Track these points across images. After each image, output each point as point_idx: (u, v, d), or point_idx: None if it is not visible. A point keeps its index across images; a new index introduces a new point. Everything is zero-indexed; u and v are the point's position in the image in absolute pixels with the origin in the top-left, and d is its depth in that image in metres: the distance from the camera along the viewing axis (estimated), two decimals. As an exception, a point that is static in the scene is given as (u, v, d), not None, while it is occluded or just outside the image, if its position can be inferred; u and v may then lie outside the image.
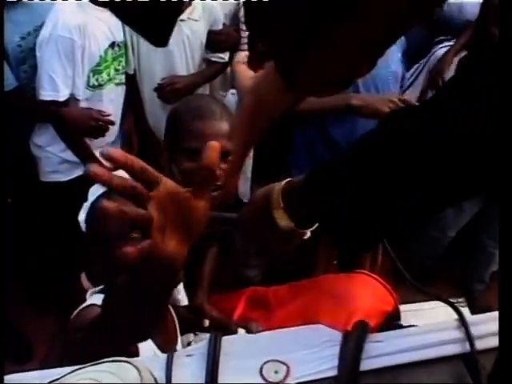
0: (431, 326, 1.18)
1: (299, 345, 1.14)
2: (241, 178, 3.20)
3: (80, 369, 0.98)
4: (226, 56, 3.34)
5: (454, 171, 0.88)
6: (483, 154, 0.84)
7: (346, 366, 1.08)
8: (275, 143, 3.17)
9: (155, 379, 0.99)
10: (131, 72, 3.12)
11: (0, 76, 2.65)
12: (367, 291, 1.55)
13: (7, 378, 1.09)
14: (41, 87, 2.86)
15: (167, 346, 1.51)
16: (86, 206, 1.85)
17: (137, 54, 3.08)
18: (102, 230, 1.44)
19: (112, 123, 2.98)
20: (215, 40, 3.21)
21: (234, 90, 3.26)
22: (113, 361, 0.99)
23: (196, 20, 3.13)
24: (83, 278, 1.78)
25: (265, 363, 1.10)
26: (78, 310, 1.50)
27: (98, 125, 2.93)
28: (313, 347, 1.14)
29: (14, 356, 3.12)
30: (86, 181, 2.63)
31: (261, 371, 1.09)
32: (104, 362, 0.98)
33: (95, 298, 1.49)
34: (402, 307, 1.75)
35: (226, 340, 1.13)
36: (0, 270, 2.59)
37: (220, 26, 3.25)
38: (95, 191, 1.83)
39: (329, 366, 1.11)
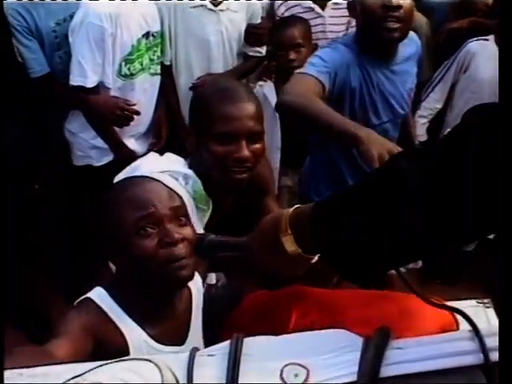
0: (451, 335, 1.19)
1: (319, 349, 1.15)
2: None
3: (102, 365, 1.00)
4: (263, 50, 3.35)
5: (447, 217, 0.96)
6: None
7: (365, 372, 1.09)
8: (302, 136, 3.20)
9: (176, 379, 1.01)
10: (167, 63, 3.13)
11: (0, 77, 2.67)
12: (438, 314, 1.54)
13: (36, 370, 1.11)
14: (71, 72, 2.92)
15: (164, 337, 1.50)
16: None
17: (174, 45, 3.10)
18: (117, 218, 1.42)
19: (137, 113, 2.99)
20: (253, 33, 3.22)
21: (262, 82, 3.26)
22: (135, 359, 1.01)
23: (235, 11, 3.14)
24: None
25: (285, 366, 1.11)
26: (77, 301, 1.51)
27: (123, 114, 2.96)
28: (333, 351, 1.15)
29: (39, 340, 3.17)
30: (117, 166, 2.70)
31: (281, 374, 1.10)
32: (126, 360, 1.00)
33: (94, 292, 1.49)
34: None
35: (247, 341, 1.14)
36: (0, 266, 2.62)
37: (259, 20, 3.26)
38: (121, 176, 1.85)
39: (348, 371, 1.11)
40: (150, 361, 1.00)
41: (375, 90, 2.51)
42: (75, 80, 2.89)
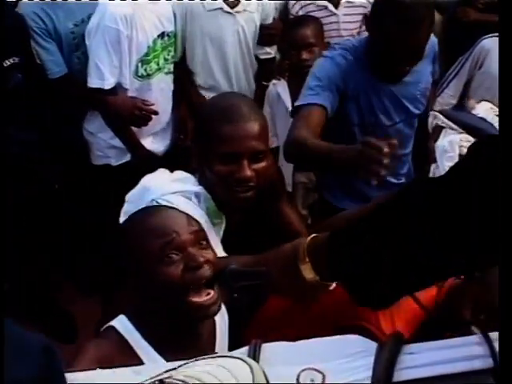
0: (461, 340, 1.22)
1: (335, 354, 1.19)
2: (282, 167, 3.25)
3: (196, 361, 1.04)
4: (272, 51, 3.39)
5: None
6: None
7: (379, 377, 1.14)
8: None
9: (267, 379, 1.04)
10: (177, 60, 3.17)
11: (0, 72, 2.72)
12: None
13: (116, 370, 1.17)
14: (88, 75, 2.96)
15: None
16: (125, 210, 1.89)
17: (191, 47, 3.13)
18: (141, 248, 1.44)
19: (155, 113, 3.03)
20: (266, 34, 3.25)
21: (275, 81, 3.29)
22: (227, 357, 1.05)
23: (252, 12, 3.18)
24: None
25: (302, 371, 1.16)
26: (103, 328, 1.52)
27: (141, 114, 3.00)
28: (347, 356, 1.19)
29: (59, 336, 3.22)
30: (134, 167, 2.74)
31: (298, 379, 1.15)
32: (220, 357, 1.05)
33: (118, 322, 1.51)
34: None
35: (264, 347, 1.19)
36: (1, 265, 2.66)
37: (270, 20, 3.29)
38: (133, 198, 1.88)
39: (362, 376, 1.16)
40: (242, 359, 1.03)
41: (385, 92, 2.52)
42: (93, 83, 2.94)
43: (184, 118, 3.31)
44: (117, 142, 3.10)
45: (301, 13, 3.35)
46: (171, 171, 1.90)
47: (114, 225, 1.96)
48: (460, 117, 1.58)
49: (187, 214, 1.50)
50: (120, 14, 2.85)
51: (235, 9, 3.11)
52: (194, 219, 1.50)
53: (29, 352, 0.88)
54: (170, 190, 1.75)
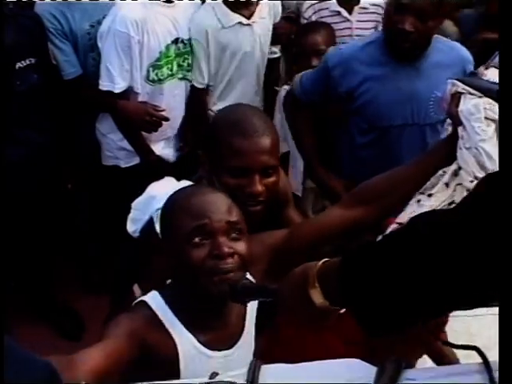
0: (461, 367, 1.23)
1: (334, 377, 1.19)
2: (293, 171, 3.26)
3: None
4: (277, 49, 3.43)
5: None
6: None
7: (377, 403, 1.14)
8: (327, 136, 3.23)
9: None
10: (200, 86, 3.17)
11: (0, 73, 2.73)
12: None
13: None
14: (100, 77, 2.98)
15: (215, 343, 1.54)
16: (132, 218, 1.92)
17: (208, 64, 3.14)
18: (174, 225, 1.49)
19: (166, 119, 3.04)
20: (273, 33, 3.27)
21: (286, 86, 3.29)
22: (224, 382, 1.07)
23: (265, 17, 3.19)
24: (136, 288, 1.85)
25: (301, 394, 1.16)
26: (134, 302, 1.56)
27: (151, 120, 3.01)
28: (348, 380, 1.19)
29: (67, 334, 3.26)
30: (143, 170, 2.75)
31: (296, 402, 1.16)
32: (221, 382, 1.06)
33: (150, 297, 1.54)
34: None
35: (264, 368, 1.20)
36: (0, 269, 2.69)
37: (278, 19, 3.32)
38: (139, 206, 1.90)
39: (361, 401, 1.17)
40: None
41: (397, 87, 2.62)
42: (104, 85, 2.96)
43: (187, 126, 3.30)
44: (126, 144, 3.11)
45: (314, 17, 3.34)
46: (181, 178, 1.93)
47: (123, 225, 1.99)
48: (476, 82, 1.61)
49: (231, 202, 1.52)
50: (131, 18, 2.86)
51: (252, 19, 3.12)
52: (235, 208, 1.52)
53: (37, 378, 0.89)
54: None
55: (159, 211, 1.71)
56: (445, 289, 1.05)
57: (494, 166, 1.52)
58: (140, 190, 1.96)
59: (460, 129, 1.61)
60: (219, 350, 1.55)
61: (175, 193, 1.58)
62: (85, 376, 1.29)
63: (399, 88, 2.65)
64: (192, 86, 3.17)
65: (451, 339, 1.46)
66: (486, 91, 1.61)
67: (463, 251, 1.01)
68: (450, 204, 1.63)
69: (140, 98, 3.04)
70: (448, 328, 1.57)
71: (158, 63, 2.99)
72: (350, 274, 1.15)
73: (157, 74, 3.00)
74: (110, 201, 3.20)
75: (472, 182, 1.56)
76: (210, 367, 1.47)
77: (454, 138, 1.65)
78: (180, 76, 3.10)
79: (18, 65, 2.81)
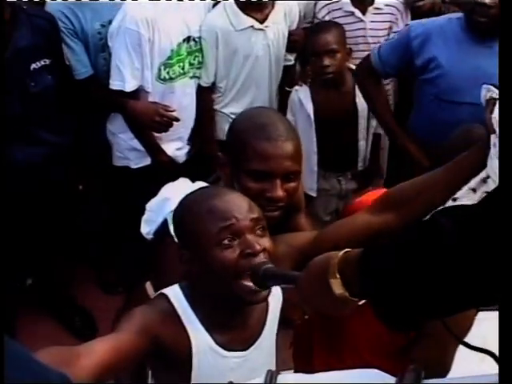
0: (479, 377, 1.20)
1: (352, 388, 1.18)
2: (306, 172, 3.24)
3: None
4: (292, 57, 3.38)
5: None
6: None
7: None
8: (340, 138, 3.22)
9: None
10: (205, 84, 3.16)
11: (1, 74, 2.70)
12: None
13: None
14: (110, 76, 2.95)
15: (231, 344, 1.53)
16: (146, 219, 1.91)
17: (221, 68, 3.12)
18: (199, 229, 1.46)
19: (177, 119, 3.01)
20: (289, 40, 3.24)
21: (297, 87, 3.27)
22: None
23: (279, 23, 3.16)
24: (148, 286, 1.84)
25: (317, 405, 1.14)
26: (154, 295, 1.56)
27: (162, 120, 2.98)
28: (365, 391, 1.18)
29: (78, 332, 3.25)
30: (154, 171, 2.73)
31: (313, 412, 1.14)
32: None
33: (170, 290, 1.53)
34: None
35: (280, 378, 1.18)
36: (0, 269, 2.68)
37: (295, 26, 3.27)
38: (153, 207, 1.89)
39: (380, 411, 1.15)
40: None
41: (469, 66, 2.71)
42: (114, 84, 2.94)
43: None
44: (137, 144, 3.08)
45: (327, 18, 3.32)
46: (191, 178, 1.91)
47: (134, 226, 1.99)
48: None
49: (248, 200, 1.51)
50: (141, 16, 2.84)
51: (265, 24, 3.10)
52: (254, 205, 1.51)
53: None
54: None
55: (172, 213, 1.71)
56: (466, 285, 1.04)
57: None
58: (150, 192, 1.96)
59: (493, 136, 1.57)
60: (235, 351, 1.53)
61: (192, 196, 1.56)
62: (87, 371, 1.28)
63: (475, 67, 2.71)
64: (198, 85, 3.15)
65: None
66: None
67: (486, 246, 1.00)
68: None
69: (151, 98, 3.02)
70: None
71: (170, 62, 2.96)
72: (370, 265, 1.15)
73: (168, 73, 2.98)
74: (120, 202, 3.19)
75: None
76: (223, 367, 1.49)
77: (485, 145, 1.62)
78: (191, 75, 3.08)
79: (33, 66, 2.79)
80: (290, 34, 3.24)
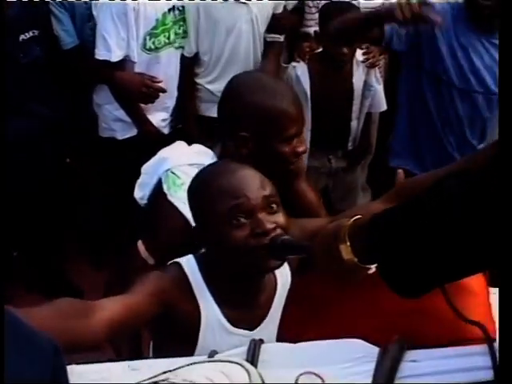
0: (465, 349, 1.20)
1: (335, 358, 1.17)
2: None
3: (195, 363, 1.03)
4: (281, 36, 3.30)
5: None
6: None
7: (379, 384, 1.12)
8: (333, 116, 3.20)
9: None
10: (188, 55, 3.09)
11: (1, 75, 2.67)
12: None
13: (113, 365, 1.16)
14: (96, 47, 2.90)
15: (239, 321, 1.50)
16: (140, 183, 1.90)
17: (203, 38, 3.05)
18: (210, 207, 1.44)
19: (163, 90, 2.97)
20: (277, 23, 3.19)
21: (295, 63, 3.23)
22: (226, 361, 1.04)
23: None
24: (140, 244, 1.81)
25: (300, 374, 1.14)
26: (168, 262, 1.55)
27: (148, 91, 2.95)
28: (348, 361, 1.17)
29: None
30: (139, 142, 2.70)
31: (296, 382, 1.13)
32: (218, 361, 1.04)
33: (185, 259, 1.52)
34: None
35: (264, 348, 1.17)
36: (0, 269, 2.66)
37: (280, 9, 3.20)
38: (149, 169, 1.88)
39: (363, 382, 1.14)
40: (240, 365, 1.02)
41: (465, 54, 2.70)
42: (100, 54, 2.89)
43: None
44: (123, 115, 3.03)
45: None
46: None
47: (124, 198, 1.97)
48: None
49: (260, 176, 1.49)
50: None
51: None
52: (267, 181, 1.49)
53: (41, 353, 0.87)
54: (188, 161, 1.79)
55: (168, 172, 1.75)
56: (472, 247, 1.04)
57: None
58: (136, 162, 1.94)
59: None
60: (242, 329, 1.51)
61: (204, 173, 1.54)
62: (100, 323, 1.29)
63: (480, 56, 2.71)
64: (182, 56, 3.10)
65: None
66: None
67: (493, 209, 1.00)
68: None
69: (137, 67, 2.97)
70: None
71: (155, 31, 2.92)
72: (378, 229, 1.15)
73: (154, 43, 2.94)
74: (107, 173, 3.16)
75: None
76: (229, 343, 1.46)
77: None
78: (177, 45, 3.03)
79: (22, 37, 2.75)
80: (279, 18, 3.19)
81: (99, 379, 1.12)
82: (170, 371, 1.03)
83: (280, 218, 1.45)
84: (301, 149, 1.83)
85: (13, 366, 0.82)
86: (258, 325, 1.53)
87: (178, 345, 1.49)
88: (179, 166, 1.75)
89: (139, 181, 1.90)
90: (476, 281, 1.51)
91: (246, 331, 1.50)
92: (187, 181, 1.70)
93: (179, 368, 1.04)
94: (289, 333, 1.67)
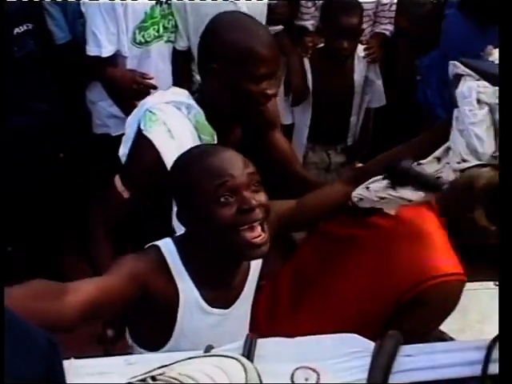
0: (463, 343, 1.21)
1: (331, 353, 1.18)
2: (296, 145, 3.21)
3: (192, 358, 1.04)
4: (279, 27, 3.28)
5: None
6: None
7: (375, 380, 1.12)
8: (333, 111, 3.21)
9: (260, 379, 1.04)
10: (181, 48, 3.08)
11: (1, 76, 2.65)
12: None
13: (109, 359, 1.16)
14: (87, 43, 2.90)
15: (215, 301, 1.55)
16: (124, 139, 1.96)
17: (191, 34, 3.07)
18: (195, 187, 1.46)
19: (154, 87, 2.95)
20: (272, 13, 3.18)
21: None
22: (222, 356, 1.04)
23: None
24: (117, 179, 1.88)
25: (296, 369, 1.14)
26: (146, 246, 1.57)
27: (139, 88, 2.94)
28: (344, 356, 1.18)
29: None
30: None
31: (292, 377, 1.14)
32: (214, 356, 1.04)
33: (163, 242, 1.54)
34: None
35: (261, 342, 1.17)
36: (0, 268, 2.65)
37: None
38: (130, 121, 1.95)
39: (358, 377, 1.15)
40: (237, 359, 1.03)
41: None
42: (91, 50, 2.88)
43: None
44: (116, 111, 3.03)
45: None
46: None
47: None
48: (477, 64, 1.62)
49: (243, 156, 1.52)
50: None
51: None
52: (248, 161, 1.51)
53: (36, 348, 0.88)
54: (163, 100, 1.89)
55: (146, 111, 1.84)
56: None
57: (484, 149, 1.51)
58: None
59: (456, 110, 1.60)
60: (218, 308, 1.56)
61: (186, 155, 1.56)
62: (73, 305, 1.30)
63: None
64: (174, 49, 3.09)
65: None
66: (485, 73, 1.61)
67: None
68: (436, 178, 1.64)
69: (128, 62, 2.96)
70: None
71: (144, 24, 2.90)
72: None
73: (143, 36, 2.92)
74: (100, 169, 3.15)
75: (459, 163, 1.55)
76: (205, 323, 1.53)
77: (449, 121, 1.66)
78: (166, 39, 3.01)
79: (16, 30, 2.73)
80: (275, 6, 3.18)
81: (96, 373, 1.12)
82: (167, 366, 1.03)
83: (263, 196, 1.49)
84: (270, 91, 1.86)
85: (8, 361, 0.82)
86: (233, 303, 1.59)
87: (156, 326, 1.53)
88: (156, 104, 1.84)
89: (123, 138, 1.97)
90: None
91: (222, 310, 1.56)
92: (162, 117, 1.83)
93: (175, 363, 1.04)
94: (263, 310, 1.73)
